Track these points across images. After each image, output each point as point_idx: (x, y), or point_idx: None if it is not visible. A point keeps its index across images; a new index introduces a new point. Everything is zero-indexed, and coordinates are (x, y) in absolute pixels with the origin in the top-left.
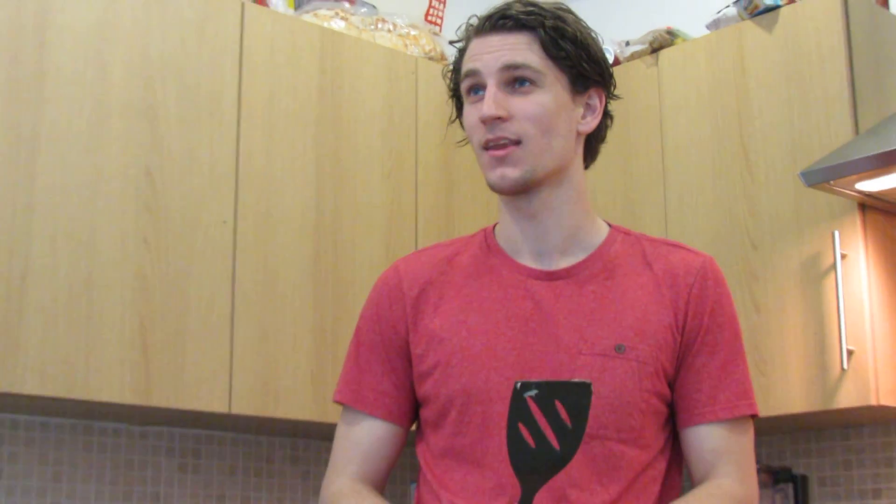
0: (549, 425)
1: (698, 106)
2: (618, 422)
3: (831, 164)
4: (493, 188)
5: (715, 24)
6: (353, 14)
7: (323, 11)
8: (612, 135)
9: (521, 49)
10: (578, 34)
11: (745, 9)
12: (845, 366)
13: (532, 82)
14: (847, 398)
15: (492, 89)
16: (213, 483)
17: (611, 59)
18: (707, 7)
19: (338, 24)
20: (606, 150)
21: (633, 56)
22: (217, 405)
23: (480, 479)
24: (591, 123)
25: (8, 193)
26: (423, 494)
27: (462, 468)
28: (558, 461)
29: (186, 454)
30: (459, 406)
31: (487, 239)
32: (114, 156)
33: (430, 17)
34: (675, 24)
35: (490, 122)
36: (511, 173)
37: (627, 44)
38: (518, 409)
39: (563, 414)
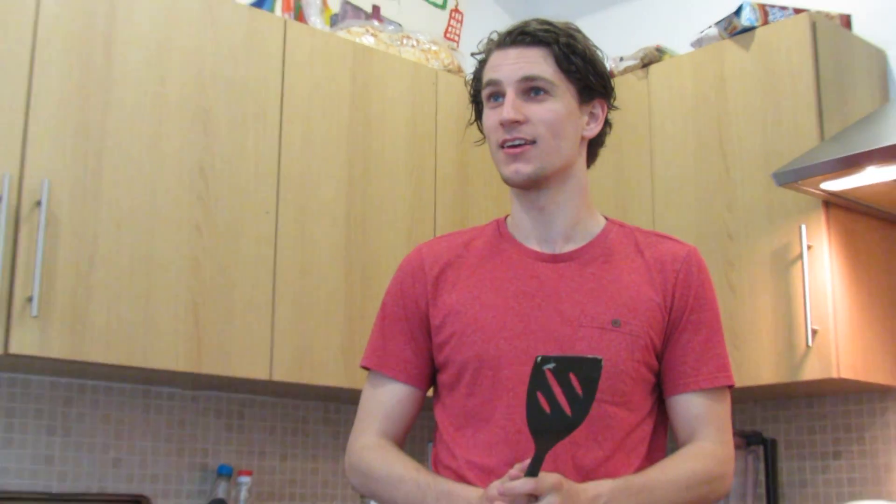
0: (563, 394)
1: (683, 114)
2: (611, 387)
3: (799, 166)
4: (508, 181)
5: (698, 43)
6: (381, 31)
7: (355, 28)
8: (607, 139)
9: (537, 62)
10: (587, 51)
11: (725, 29)
12: (810, 343)
13: (546, 91)
14: (811, 371)
15: (511, 96)
16: (255, 441)
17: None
18: (692, 27)
19: (368, 40)
20: (602, 152)
21: (626, 70)
22: (259, 372)
23: (489, 435)
24: (594, 129)
25: (78, 185)
26: (439, 451)
27: (473, 426)
28: (570, 425)
29: (232, 415)
30: (472, 370)
31: (500, 227)
32: (171, 154)
33: (448, 35)
34: (664, 42)
35: (509, 124)
36: (524, 168)
37: (621, 59)
38: (537, 379)
39: (576, 385)
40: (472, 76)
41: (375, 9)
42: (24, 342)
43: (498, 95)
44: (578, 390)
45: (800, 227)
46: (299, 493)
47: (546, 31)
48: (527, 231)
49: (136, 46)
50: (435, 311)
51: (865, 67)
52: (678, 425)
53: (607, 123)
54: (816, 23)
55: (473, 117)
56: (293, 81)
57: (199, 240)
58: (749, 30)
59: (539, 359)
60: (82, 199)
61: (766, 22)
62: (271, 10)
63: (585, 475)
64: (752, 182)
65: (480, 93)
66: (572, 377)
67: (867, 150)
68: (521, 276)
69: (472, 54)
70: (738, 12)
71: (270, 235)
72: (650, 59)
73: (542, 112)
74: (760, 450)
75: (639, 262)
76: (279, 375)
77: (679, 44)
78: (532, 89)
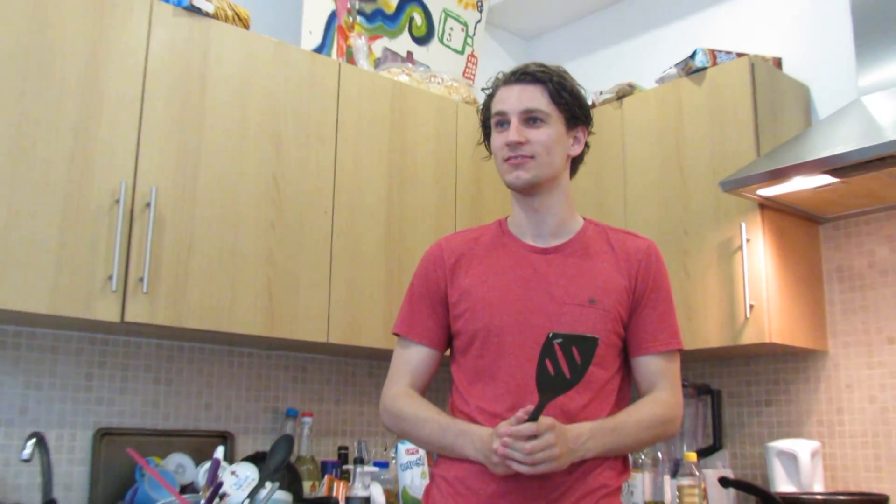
0: (566, 362)
1: (649, 137)
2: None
3: (740, 176)
4: (511, 186)
5: (661, 80)
6: (413, 71)
7: (393, 69)
8: (588, 157)
9: (535, 97)
10: (573, 88)
11: (683, 69)
12: (748, 315)
13: (541, 120)
14: (749, 337)
15: (515, 123)
16: (315, 390)
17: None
18: (656, 67)
19: (404, 79)
20: (584, 168)
21: (605, 101)
22: (318, 336)
23: (496, 388)
24: (576, 150)
25: (178, 191)
26: (455, 400)
27: (483, 381)
28: (568, 386)
29: (297, 370)
30: (482, 338)
31: (502, 226)
32: (251, 167)
33: (466, 74)
34: (634, 80)
35: (514, 145)
36: (523, 175)
37: (601, 93)
38: (547, 349)
39: (577, 356)
40: (482, 106)
41: (409, 54)
42: (137, 313)
43: (504, 122)
44: (577, 360)
45: (740, 225)
46: (349, 430)
47: (542, 71)
48: (524, 229)
49: (223, 83)
50: (452, 290)
51: (793, 99)
52: (640, 379)
53: (586, 145)
54: (754, 64)
55: (482, 138)
56: (345, 111)
57: (273, 234)
58: (701, 70)
59: (550, 334)
60: (182, 202)
61: (714, 63)
62: (329, 54)
63: (570, 418)
64: (703, 189)
65: (489, 119)
66: (574, 350)
67: (793, 164)
68: (519, 265)
69: (483, 89)
70: (693, 56)
71: (328, 231)
72: (623, 93)
73: (538, 135)
74: (709, 398)
75: (609, 253)
76: (334, 339)
77: (646, 81)
78: (531, 118)
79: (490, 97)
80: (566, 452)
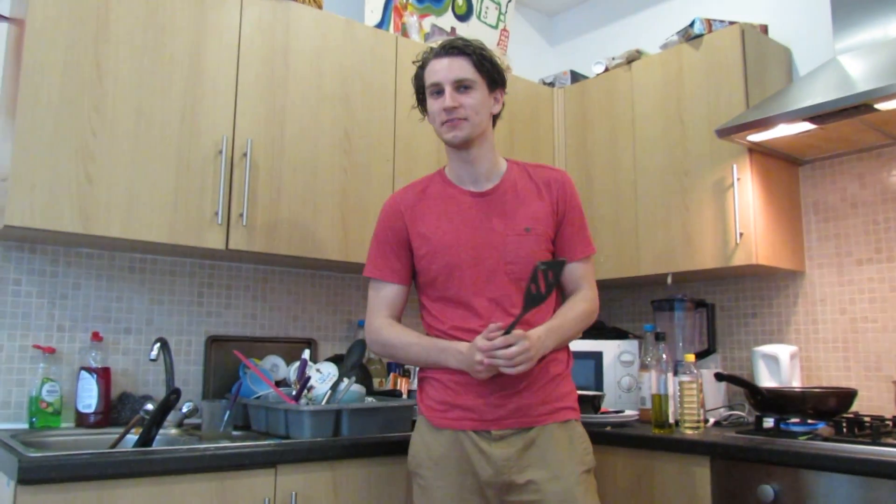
0: (543, 282)
1: (654, 94)
2: (530, 268)
3: (732, 124)
4: (449, 143)
5: (665, 46)
6: None
7: (440, 41)
8: (601, 112)
9: (464, 67)
10: (492, 57)
11: (683, 37)
12: (738, 241)
13: (469, 87)
14: (738, 259)
15: (449, 91)
16: None
17: (602, 70)
18: (660, 35)
19: None
20: (599, 121)
21: (616, 66)
22: None
23: (464, 311)
24: (497, 108)
25: (269, 141)
26: (429, 322)
27: (453, 305)
28: (542, 299)
29: (366, 289)
30: (445, 274)
31: (442, 176)
32: (326, 122)
33: (500, 45)
34: (642, 46)
35: (450, 109)
36: (459, 134)
37: (613, 59)
38: (535, 275)
39: (551, 276)
40: (414, 76)
41: (452, 29)
42: (238, 241)
43: (439, 91)
44: (550, 278)
45: (732, 166)
46: None
47: (466, 45)
48: (462, 178)
49: (302, 54)
50: (413, 236)
51: (777, 60)
52: (566, 284)
53: (503, 104)
54: (744, 31)
55: (416, 103)
56: (402, 76)
57: (345, 177)
58: (699, 36)
59: (538, 263)
60: (271, 152)
61: (710, 30)
62: (387, 29)
63: (529, 325)
64: (700, 137)
65: (423, 88)
66: (550, 273)
67: (778, 113)
68: (465, 209)
69: (413, 62)
70: (691, 25)
71: (390, 174)
72: (632, 58)
73: (469, 100)
74: (704, 311)
75: (531, 185)
76: None
77: (652, 47)
78: (462, 86)
79: (421, 68)
80: (536, 353)
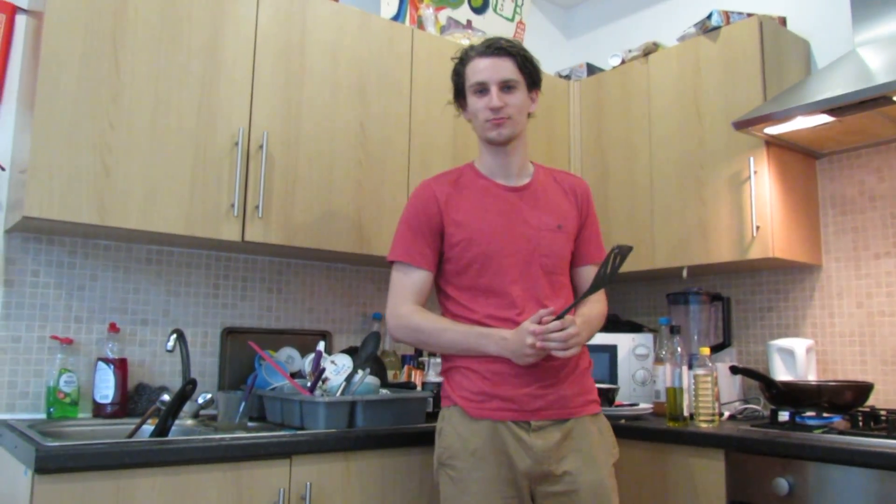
0: (612, 265)
1: (671, 87)
2: (561, 264)
3: (749, 117)
4: (492, 141)
5: (682, 38)
6: (473, 36)
7: (456, 34)
8: (618, 105)
9: (509, 68)
10: (532, 59)
11: (700, 29)
12: (754, 235)
13: (513, 87)
14: (755, 253)
15: (495, 90)
16: None
17: (618, 63)
18: (677, 28)
19: (465, 41)
20: (614, 112)
21: (633, 58)
22: None
23: (498, 300)
24: (533, 108)
25: (285, 134)
26: (456, 312)
27: (485, 296)
28: (609, 281)
29: (381, 281)
30: (480, 261)
31: (472, 169)
32: (342, 114)
33: (516, 37)
34: (659, 39)
35: (496, 109)
36: (504, 132)
37: (630, 51)
38: (608, 257)
39: (619, 260)
40: (454, 72)
41: (469, 22)
42: (254, 233)
43: (484, 90)
44: (618, 263)
45: (749, 160)
46: None
47: (511, 46)
48: (495, 172)
49: (319, 47)
50: (447, 223)
51: (795, 53)
52: (582, 285)
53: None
54: (762, 23)
55: (454, 98)
56: (417, 69)
57: (360, 170)
58: (716, 28)
59: (615, 246)
60: (287, 144)
61: (728, 22)
62: (403, 22)
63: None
64: (717, 130)
65: (463, 84)
66: (619, 257)
67: (795, 105)
68: (498, 201)
69: (452, 58)
70: (709, 17)
71: (405, 167)
72: (649, 50)
73: (513, 100)
74: (720, 304)
75: (559, 189)
76: None
77: (669, 40)
78: (507, 86)
79: (461, 65)
80: (582, 340)
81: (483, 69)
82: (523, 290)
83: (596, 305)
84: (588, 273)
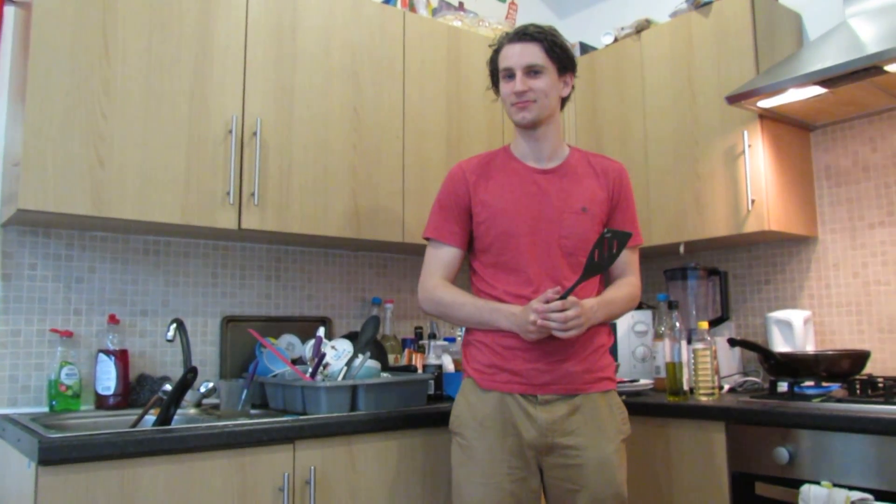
0: (606, 251)
1: (664, 63)
2: (583, 245)
3: (742, 91)
4: (518, 124)
5: (674, 14)
6: (464, 17)
7: (448, 16)
8: (612, 82)
9: (535, 53)
10: (563, 44)
11: (692, 4)
12: (750, 208)
13: (540, 72)
14: (751, 226)
15: (520, 75)
16: (394, 283)
17: (611, 41)
18: (670, 3)
19: (457, 24)
20: (608, 89)
21: (626, 35)
22: (395, 237)
23: (517, 277)
24: (566, 91)
25: (278, 120)
26: (480, 286)
27: (505, 272)
28: (602, 268)
29: (379, 266)
30: (502, 240)
31: (507, 152)
32: (335, 99)
33: (508, 18)
34: (651, 15)
35: (520, 93)
36: (528, 115)
37: (623, 28)
38: (599, 242)
39: (615, 246)
40: (489, 60)
41: (460, 3)
42: (250, 221)
43: (511, 75)
44: (614, 249)
45: (743, 133)
46: (422, 314)
47: (538, 31)
48: (526, 154)
49: (311, 32)
50: (475, 203)
51: (787, 26)
52: (613, 268)
53: (573, 88)
54: None
55: (490, 84)
56: (410, 52)
57: (355, 154)
58: (708, 3)
59: (605, 230)
60: (281, 131)
61: None
62: (395, 5)
63: (577, 296)
64: (710, 105)
65: (497, 71)
66: (614, 242)
67: (787, 78)
68: (526, 182)
69: (490, 45)
70: None
71: (399, 151)
72: (642, 27)
73: (538, 84)
74: (717, 278)
75: (591, 172)
76: (409, 239)
77: (661, 16)
78: (532, 71)
79: (496, 52)
80: (586, 321)
81: (511, 55)
82: (540, 268)
83: (624, 288)
84: (623, 257)
